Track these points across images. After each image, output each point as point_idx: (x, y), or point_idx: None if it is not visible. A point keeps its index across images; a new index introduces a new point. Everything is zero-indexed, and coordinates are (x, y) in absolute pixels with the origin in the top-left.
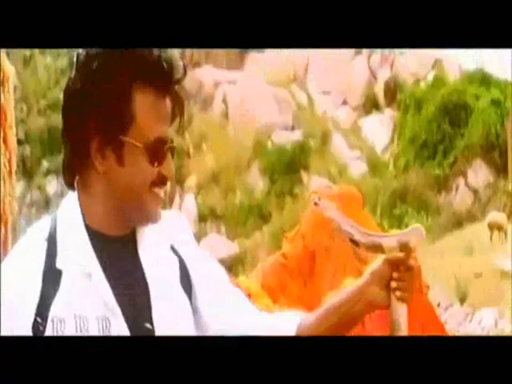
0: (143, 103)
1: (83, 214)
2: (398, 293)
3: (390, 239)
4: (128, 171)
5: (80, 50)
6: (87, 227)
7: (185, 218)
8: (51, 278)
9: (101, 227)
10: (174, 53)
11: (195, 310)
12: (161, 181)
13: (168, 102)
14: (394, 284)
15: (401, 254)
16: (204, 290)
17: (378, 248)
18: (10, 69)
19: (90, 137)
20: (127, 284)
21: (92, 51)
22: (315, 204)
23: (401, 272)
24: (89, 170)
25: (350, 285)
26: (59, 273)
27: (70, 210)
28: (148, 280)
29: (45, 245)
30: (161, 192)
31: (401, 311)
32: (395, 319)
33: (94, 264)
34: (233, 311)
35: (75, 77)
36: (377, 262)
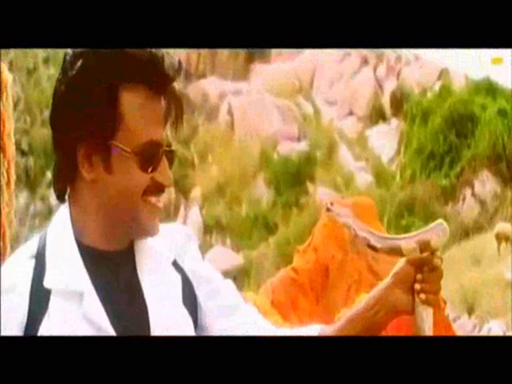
0: (132, 104)
1: (74, 229)
2: (422, 295)
3: (409, 240)
4: (117, 179)
5: (68, 50)
6: (78, 242)
7: (190, 230)
8: (39, 298)
9: (93, 242)
10: (168, 50)
11: (202, 330)
12: (156, 189)
13: (162, 102)
14: (417, 286)
15: (423, 254)
16: (213, 310)
17: (396, 251)
18: (8, 76)
19: (77, 143)
20: (123, 305)
21: (77, 51)
22: (328, 210)
23: (425, 273)
24: (78, 181)
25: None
26: (48, 292)
27: (60, 225)
28: (147, 300)
29: (32, 262)
30: (158, 201)
31: (426, 315)
32: (420, 324)
33: (85, 282)
34: (248, 330)
35: (60, 79)
36: (399, 263)
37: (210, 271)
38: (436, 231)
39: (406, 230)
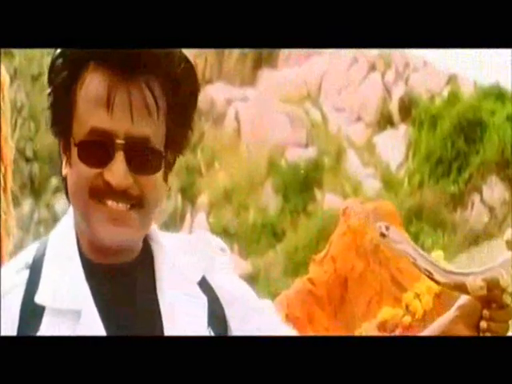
0: (89, 90)
1: (77, 239)
2: (488, 334)
3: (476, 277)
4: (70, 176)
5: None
6: (81, 254)
7: (222, 243)
8: (31, 314)
9: (90, 254)
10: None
11: None
12: (106, 189)
13: (131, 89)
14: (484, 324)
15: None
16: (245, 331)
17: (461, 288)
18: (5, 78)
19: (58, 140)
20: (130, 326)
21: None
22: (382, 235)
23: (492, 310)
24: None
25: (433, 323)
26: (42, 309)
27: (63, 234)
28: (164, 321)
29: (25, 274)
30: (115, 205)
31: None
32: None
33: (84, 299)
34: None
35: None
36: (465, 296)
37: (245, 290)
38: (506, 267)
39: (415, 236)
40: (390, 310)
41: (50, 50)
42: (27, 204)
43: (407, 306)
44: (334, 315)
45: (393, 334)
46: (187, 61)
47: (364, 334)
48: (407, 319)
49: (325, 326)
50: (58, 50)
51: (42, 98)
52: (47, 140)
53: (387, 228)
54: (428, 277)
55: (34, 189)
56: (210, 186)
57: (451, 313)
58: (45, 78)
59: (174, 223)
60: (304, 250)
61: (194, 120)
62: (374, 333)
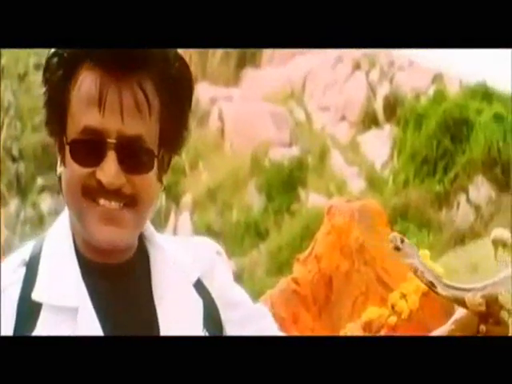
0: (82, 89)
1: (74, 236)
2: None
3: (475, 294)
4: (64, 174)
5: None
6: (77, 252)
7: (219, 247)
8: (28, 311)
9: (87, 252)
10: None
11: None
12: (98, 188)
13: (122, 89)
14: None
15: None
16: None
17: (460, 302)
18: None
19: (54, 139)
20: (126, 325)
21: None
22: (397, 248)
23: (489, 325)
24: None
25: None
26: (39, 306)
27: (60, 232)
28: (160, 322)
29: (22, 271)
30: (108, 204)
31: None
32: None
33: (81, 297)
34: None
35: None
36: (461, 309)
37: (241, 296)
38: (505, 284)
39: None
40: (376, 310)
41: (36, 50)
42: (13, 203)
43: (393, 306)
44: (318, 315)
45: (378, 335)
46: (182, 60)
47: (349, 334)
48: (393, 319)
49: (309, 326)
50: (53, 50)
51: (28, 97)
52: (33, 139)
53: (402, 241)
54: (430, 288)
55: (21, 188)
56: (193, 185)
57: (447, 326)
58: (30, 77)
59: (158, 222)
60: (288, 249)
61: (189, 119)
62: (359, 333)
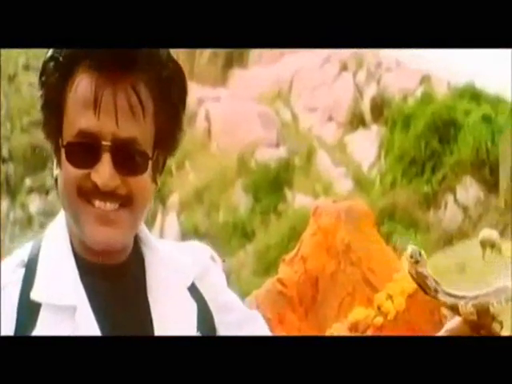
0: (78, 92)
1: (70, 237)
2: None
3: (468, 301)
4: (61, 177)
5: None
6: (74, 253)
7: (213, 252)
8: (28, 311)
9: (84, 252)
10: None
11: None
12: (92, 189)
13: (117, 91)
14: None
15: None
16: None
17: (455, 310)
18: None
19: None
20: (122, 325)
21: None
22: (416, 262)
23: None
24: None
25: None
26: (38, 305)
27: (57, 233)
28: (154, 324)
29: (21, 272)
30: (103, 205)
31: None
32: None
33: (79, 296)
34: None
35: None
36: (454, 319)
37: (234, 300)
38: (497, 295)
39: (388, 236)
40: (362, 310)
41: (26, 50)
42: (3, 204)
43: (379, 307)
44: (304, 316)
45: (364, 335)
46: (175, 61)
47: (335, 334)
48: (379, 320)
49: (295, 327)
50: (49, 54)
51: (17, 97)
52: (22, 140)
53: (420, 254)
54: (433, 296)
55: (10, 189)
56: (180, 185)
57: (439, 335)
58: (20, 77)
59: (145, 223)
60: (274, 250)
61: (184, 120)
62: (346, 333)
